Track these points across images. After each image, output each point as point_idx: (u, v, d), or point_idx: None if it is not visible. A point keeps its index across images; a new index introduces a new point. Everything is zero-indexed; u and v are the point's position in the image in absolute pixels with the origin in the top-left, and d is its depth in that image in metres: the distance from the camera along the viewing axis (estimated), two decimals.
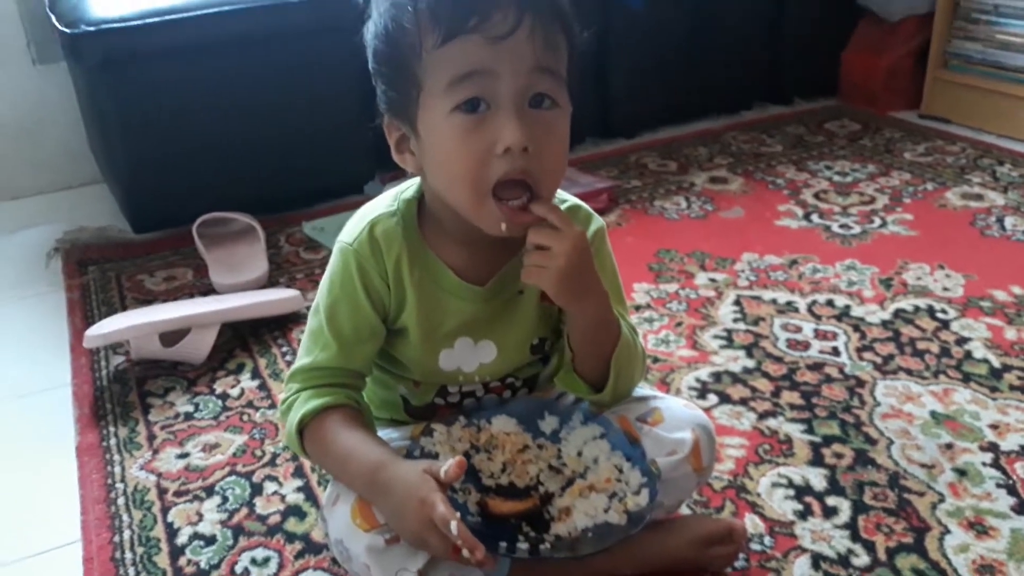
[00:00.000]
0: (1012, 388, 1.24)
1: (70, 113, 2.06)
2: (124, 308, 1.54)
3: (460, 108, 0.77)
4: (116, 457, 1.18)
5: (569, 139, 0.82)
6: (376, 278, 0.88)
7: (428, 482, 0.77)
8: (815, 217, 1.80)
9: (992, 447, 1.12)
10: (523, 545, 0.80)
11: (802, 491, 1.06)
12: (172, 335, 1.37)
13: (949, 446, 1.13)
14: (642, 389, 0.97)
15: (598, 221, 0.95)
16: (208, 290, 1.60)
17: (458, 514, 0.75)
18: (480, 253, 0.89)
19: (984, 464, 1.09)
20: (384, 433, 0.94)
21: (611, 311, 0.88)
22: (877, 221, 1.78)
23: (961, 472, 1.08)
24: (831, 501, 1.04)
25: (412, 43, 0.78)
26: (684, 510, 1.01)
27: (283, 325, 1.47)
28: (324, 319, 0.89)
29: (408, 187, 0.91)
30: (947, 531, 0.99)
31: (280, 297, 1.48)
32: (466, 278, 0.89)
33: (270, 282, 1.61)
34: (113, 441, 1.21)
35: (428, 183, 0.86)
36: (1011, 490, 1.05)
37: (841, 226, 1.76)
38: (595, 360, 0.90)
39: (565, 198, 0.93)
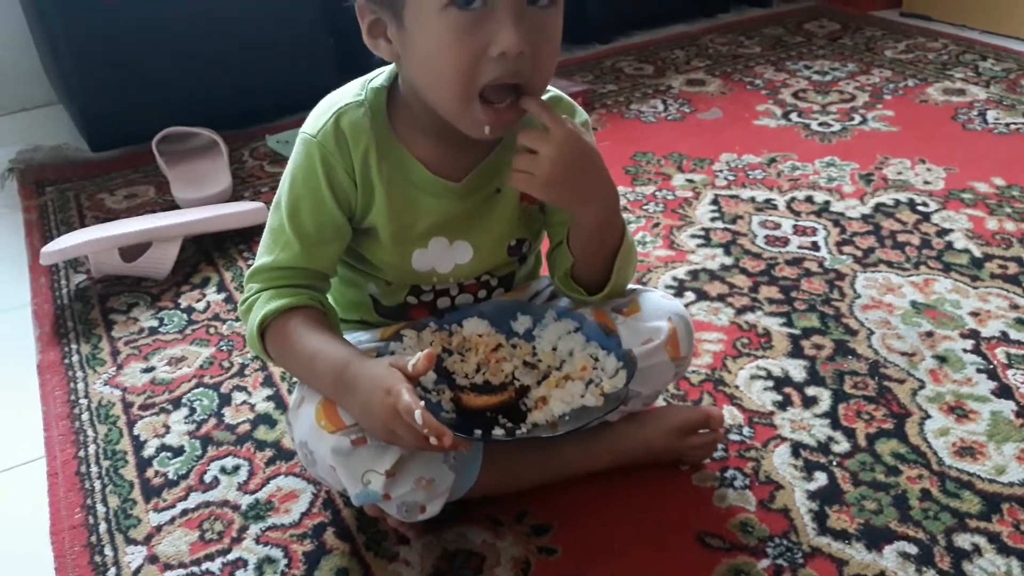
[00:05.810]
0: (993, 276, 1.22)
1: (21, 33, 1.97)
2: (84, 227, 1.49)
3: (455, 2, 0.72)
4: (79, 373, 1.15)
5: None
6: (342, 173, 0.83)
7: (394, 374, 0.74)
8: (794, 116, 1.76)
9: (973, 334, 1.11)
10: (499, 431, 0.78)
11: (781, 382, 1.04)
12: (133, 250, 1.32)
13: (929, 334, 1.11)
14: None
15: (582, 114, 0.90)
16: (171, 206, 1.54)
17: (423, 402, 0.72)
18: (455, 148, 0.84)
19: (965, 351, 1.08)
20: (353, 336, 0.91)
21: (618, 210, 0.84)
22: (857, 118, 1.73)
23: (942, 359, 1.07)
24: (810, 391, 1.03)
25: None
26: (660, 403, 0.99)
27: (248, 238, 1.42)
28: (286, 216, 0.84)
29: (377, 75, 0.85)
30: (927, 416, 0.98)
31: (244, 209, 1.43)
32: (440, 174, 0.85)
33: (234, 196, 1.56)
34: (76, 358, 1.18)
35: (406, 74, 0.81)
36: (991, 375, 1.04)
37: (820, 124, 1.72)
38: (596, 262, 0.86)
39: (546, 89, 0.88)
